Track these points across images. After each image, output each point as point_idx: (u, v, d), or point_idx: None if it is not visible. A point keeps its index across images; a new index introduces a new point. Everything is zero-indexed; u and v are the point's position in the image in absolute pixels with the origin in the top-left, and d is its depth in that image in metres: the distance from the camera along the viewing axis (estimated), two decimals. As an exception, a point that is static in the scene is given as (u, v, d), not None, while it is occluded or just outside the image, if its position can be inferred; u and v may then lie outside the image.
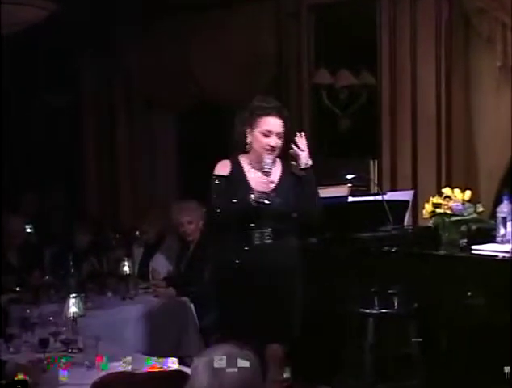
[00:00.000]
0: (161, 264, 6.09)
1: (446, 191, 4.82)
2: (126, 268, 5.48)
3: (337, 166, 6.11)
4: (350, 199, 5.15)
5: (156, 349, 4.90)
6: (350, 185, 5.31)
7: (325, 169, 6.26)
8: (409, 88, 6.00)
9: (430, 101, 5.91)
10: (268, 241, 4.17)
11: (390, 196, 5.25)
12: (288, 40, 6.67)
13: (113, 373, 3.44)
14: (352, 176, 5.36)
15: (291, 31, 6.63)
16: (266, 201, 4.08)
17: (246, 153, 4.26)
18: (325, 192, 4.87)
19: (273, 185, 4.18)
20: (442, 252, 4.69)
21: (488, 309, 4.38)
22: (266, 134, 4.17)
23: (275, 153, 4.21)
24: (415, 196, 5.63)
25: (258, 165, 4.20)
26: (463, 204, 4.74)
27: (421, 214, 4.97)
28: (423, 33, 5.90)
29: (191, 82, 7.23)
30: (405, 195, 5.43)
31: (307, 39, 6.56)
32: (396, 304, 4.64)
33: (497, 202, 4.81)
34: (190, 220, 5.71)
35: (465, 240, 4.70)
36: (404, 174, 6.08)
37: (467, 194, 4.79)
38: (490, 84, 5.67)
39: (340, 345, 4.88)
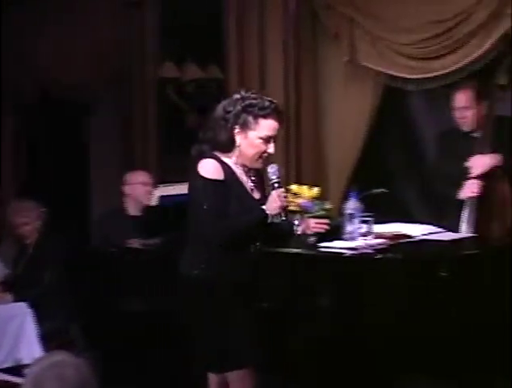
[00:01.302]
0: (-4, 268, 5.83)
1: (294, 188, 4.83)
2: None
3: (185, 162, 6.02)
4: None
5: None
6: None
7: (172, 165, 6.19)
8: (258, 83, 5.98)
9: (279, 96, 5.89)
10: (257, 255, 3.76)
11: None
12: (132, 32, 6.50)
13: None
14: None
15: (135, 22, 6.48)
16: (284, 218, 3.62)
17: (227, 152, 3.62)
18: (170, 190, 4.76)
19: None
20: (290, 250, 4.68)
21: (336, 307, 4.41)
22: (266, 139, 3.58)
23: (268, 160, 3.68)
24: (264, 192, 5.62)
25: (243, 169, 3.64)
26: (311, 201, 4.75)
27: (270, 211, 4.95)
28: (271, 27, 5.91)
29: (31, 75, 6.93)
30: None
31: (151, 30, 6.42)
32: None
33: (345, 199, 4.85)
34: (27, 221, 5.50)
35: (314, 237, 4.71)
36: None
37: (316, 191, 4.81)
38: (338, 79, 5.75)
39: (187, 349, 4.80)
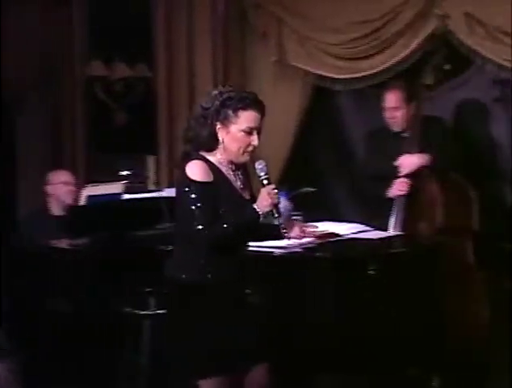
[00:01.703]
0: None
1: (223, 187, 4.82)
2: None
3: (113, 161, 5.98)
4: (126, 196, 5.03)
5: None
6: (125, 182, 5.20)
7: (100, 165, 6.14)
8: (186, 82, 5.97)
9: (208, 95, 5.90)
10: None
11: (168, 192, 5.17)
12: (60, 31, 6.42)
13: None
14: (127, 172, 5.26)
15: (62, 19, 6.39)
16: (276, 215, 3.51)
17: (209, 151, 3.52)
18: (98, 190, 4.72)
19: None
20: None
21: (266, 306, 4.41)
22: (248, 132, 3.46)
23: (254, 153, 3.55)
24: (193, 192, 5.60)
25: (231, 167, 3.53)
26: (240, 200, 4.75)
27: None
28: (199, 26, 5.90)
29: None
30: (183, 191, 5.36)
31: (79, 29, 6.34)
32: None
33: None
34: None
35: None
36: (182, 170, 6.02)
37: (245, 190, 4.81)
38: (267, 79, 5.76)
39: (115, 349, 4.77)
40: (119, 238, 4.88)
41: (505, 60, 4.86)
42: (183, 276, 3.50)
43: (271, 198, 3.45)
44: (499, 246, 4.81)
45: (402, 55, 5.18)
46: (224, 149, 3.49)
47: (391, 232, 4.79)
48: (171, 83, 6.02)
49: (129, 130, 6.37)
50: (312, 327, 4.19)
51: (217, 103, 3.48)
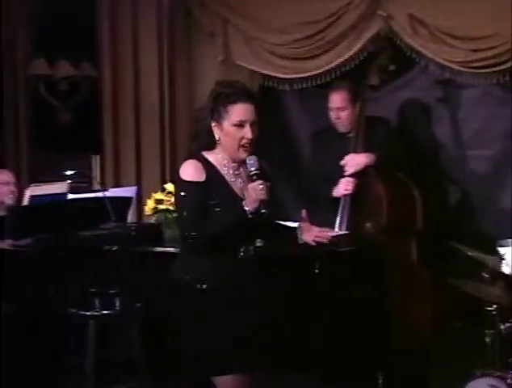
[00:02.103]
0: None
1: (169, 186, 4.83)
2: None
3: (58, 161, 5.93)
4: (70, 196, 5.00)
5: None
6: (69, 181, 5.16)
7: (44, 164, 6.08)
8: (132, 81, 5.94)
9: (153, 94, 5.90)
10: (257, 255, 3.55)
11: (112, 192, 5.17)
12: (3, 29, 6.33)
13: None
14: (72, 172, 5.22)
15: (4, 17, 6.31)
16: (263, 211, 3.40)
17: (210, 150, 3.52)
18: (42, 190, 4.68)
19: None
20: (165, 249, 4.67)
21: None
22: (240, 125, 3.44)
23: (251, 148, 3.48)
24: (139, 192, 5.59)
25: (232, 166, 3.51)
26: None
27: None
28: (144, 25, 5.87)
29: None
30: (128, 191, 5.36)
31: (22, 26, 6.26)
32: (118, 304, 4.57)
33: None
34: None
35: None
36: (127, 169, 6.01)
37: (190, 189, 4.80)
38: (213, 78, 5.73)
39: (61, 350, 4.73)
40: (64, 238, 4.85)
41: (447, 60, 4.92)
42: (187, 276, 3.48)
43: (256, 194, 3.39)
44: (442, 244, 4.87)
45: (347, 56, 5.22)
46: (222, 146, 3.49)
47: (337, 231, 4.83)
48: (116, 82, 5.99)
49: (74, 129, 6.31)
50: (259, 326, 4.19)
51: (210, 101, 3.50)
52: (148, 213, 4.84)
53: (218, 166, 3.49)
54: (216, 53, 5.64)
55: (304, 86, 5.44)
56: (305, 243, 3.67)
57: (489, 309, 3.95)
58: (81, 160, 6.09)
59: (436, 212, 5.32)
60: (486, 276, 4.02)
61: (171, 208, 4.72)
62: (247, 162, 3.46)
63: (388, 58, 5.30)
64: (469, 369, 4.09)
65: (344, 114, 5.06)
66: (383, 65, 5.26)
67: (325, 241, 3.70)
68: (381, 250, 4.66)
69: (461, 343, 4.87)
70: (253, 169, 3.44)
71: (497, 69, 4.78)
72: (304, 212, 3.72)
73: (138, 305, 4.63)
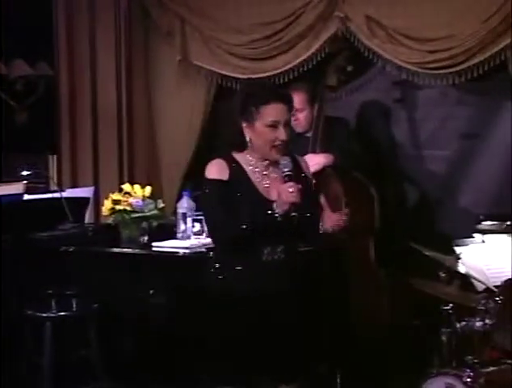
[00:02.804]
0: None
1: (126, 187, 4.81)
2: None
3: (14, 161, 5.88)
4: (26, 197, 4.95)
5: None
6: (25, 182, 5.12)
7: (0, 165, 6.02)
8: (89, 80, 5.90)
9: (111, 94, 5.86)
10: (279, 260, 3.46)
11: (70, 192, 5.14)
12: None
13: None
14: (28, 173, 5.18)
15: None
16: (293, 214, 3.33)
17: (242, 151, 3.48)
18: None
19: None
20: (122, 250, 4.65)
21: (171, 307, 4.41)
22: (273, 125, 3.40)
23: (285, 148, 3.44)
24: (97, 192, 5.56)
25: (260, 165, 3.47)
26: (143, 200, 4.75)
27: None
28: (102, 24, 5.83)
29: None
30: (86, 191, 5.33)
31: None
32: (75, 306, 4.54)
33: (179, 198, 4.86)
34: None
35: (146, 237, 4.70)
36: (84, 170, 5.96)
37: (148, 190, 4.81)
38: (171, 78, 5.74)
39: (17, 351, 4.69)
40: (20, 239, 4.80)
41: (404, 61, 4.95)
42: (220, 276, 3.47)
43: (286, 196, 3.33)
44: (400, 244, 4.91)
45: (305, 56, 5.22)
46: (253, 147, 3.45)
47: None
48: (73, 82, 5.94)
49: (30, 129, 6.26)
50: (216, 325, 4.18)
51: (240, 101, 3.46)
52: (106, 214, 4.81)
53: (244, 166, 3.45)
54: (174, 53, 5.61)
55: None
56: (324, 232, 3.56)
57: (446, 308, 3.99)
58: (38, 160, 6.04)
59: (393, 212, 5.36)
60: (443, 275, 4.06)
61: (128, 208, 4.70)
62: (281, 162, 3.42)
63: (346, 59, 5.32)
64: (426, 367, 4.14)
65: (302, 115, 5.07)
66: (341, 65, 5.28)
67: (341, 225, 3.57)
68: (339, 249, 4.68)
69: (418, 342, 4.91)
70: (286, 169, 3.39)
71: (453, 70, 4.82)
72: (322, 199, 3.63)
73: (95, 306, 4.61)
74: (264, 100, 3.39)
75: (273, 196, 3.43)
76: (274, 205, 3.35)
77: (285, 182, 3.37)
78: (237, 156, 3.47)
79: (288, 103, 3.45)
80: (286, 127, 3.41)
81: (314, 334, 3.52)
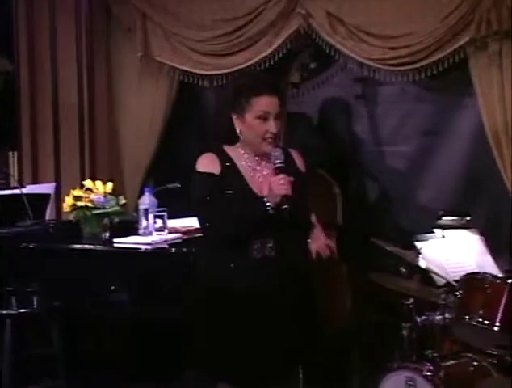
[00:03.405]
0: None
1: (88, 183, 4.77)
2: None
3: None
4: (-14, 193, 4.90)
5: None
6: (-15, 178, 5.07)
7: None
8: (50, 76, 5.85)
9: (72, 90, 5.82)
10: (271, 255, 3.37)
11: (30, 189, 5.10)
12: None
13: None
14: (-13, 169, 5.13)
15: None
16: (285, 207, 3.24)
17: (233, 144, 3.42)
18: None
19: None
20: (84, 246, 4.62)
21: (133, 303, 4.39)
22: (264, 117, 3.33)
23: (276, 141, 3.38)
24: (58, 189, 5.51)
25: (253, 160, 3.42)
26: (104, 196, 4.71)
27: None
28: (63, 19, 5.78)
29: None
30: (47, 188, 5.29)
31: None
32: (35, 303, 4.51)
33: (141, 194, 4.84)
34: None
35: (108, 233, 4.68)
36: (45, 166, 5.91)
37: (109, 186, 4.78)
38: (133, 73, 5.72)
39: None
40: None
41: (365, 58, 4.98)
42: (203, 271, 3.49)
43: (277, 188, 3.27)
44: (362, 239, 4.93)
45: (266, 53, 5.22)
46: (243, 140, 3.39)
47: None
48: (34, 77, 5.89)
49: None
50: (175, 321, 4.18)
51: (231, 92, 3.39)
52: (67, 210, 4.76)
53: (236, 160, 3.40)
54: (136, 49, 5.58)
55: (224, 82, 5.43)
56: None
57: (406, 302, 4.02)
58: (-2, 156, 5.98)
59: (355, 207, 5.38)
60: (403, 270, 4.09)
61: (90, 204, 4.66)
62: (272, 154, 3.35)
63: (309, 56, 5.33)
64: (387, 361, 4.16)
65: None
66: (303, 63, 5.28)
67: (327, 253, 3.53)
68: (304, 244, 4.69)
69: (379, 336, 4.94)
70: (277, 161, 3.33)
71: (413, 66, 4.85)
72: (313, 218, 3.58)
73: (56, 302, 4.57)
74: (255, 92, 3.33)
75: (265, 191, 3.36)
76: (265, 198, 3.30)
77: (276, 174, 3.31)
78: (229, 150, 3.41)
79: (279, 95, 3.38)
80: (276, 119, 3.35)
81: (272, 332, 3.49)
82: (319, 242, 3.53)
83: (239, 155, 3.41)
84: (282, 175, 3.28)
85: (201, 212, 3.42)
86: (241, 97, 3.34)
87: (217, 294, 3.43)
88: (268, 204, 3.29)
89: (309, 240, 3.49)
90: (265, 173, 3.42)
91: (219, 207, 3.31)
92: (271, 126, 3.34)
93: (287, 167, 3.35)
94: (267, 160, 3.42)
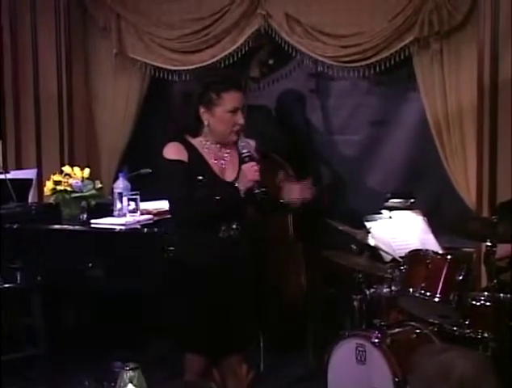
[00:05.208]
0: None
1: (66, 169, 4.73)
2: None
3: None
4: (-29, 178, 4.81)
5: None
6: (-29, 165, 4.97)
7: None
8: (31, 72, 5.74)
9: (52, 84, 5.73)
10: (235, 235, 3.39)
11: (14, 174, 5.05)
12: None
13: None
14: (-27, 156, 5.02)
15: None
16: (257, 191, 3.27)
17: (196, 136, 3.39)
18: None
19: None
20: (63, 227, 4.56)
21: (108, 278, 4.34)
22: (233, 111, 3.33)
23: (241, 132, 3.40)
24: (39, 174, 5.44)
25: (214, 148, 3.40)
26: (82, 181, 4.67)
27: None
28: (43, 18, 5.66)
29: None
30: (29, 173, 5.24)
31: None
32: (19, 278, 4.46)
33: (116, 179, 4.79)
34: None
35: (85, 215, 4.62)
36: (28, 153, 5.83)
37: (87, 172, 4.75)
38: (108, 69, 5.65)
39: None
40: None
41: (319, 55, 4.96)
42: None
43: (251, 175, 3.29)
44: (316, 220, 4.92)
45: (230, 50, 5.17)
46: (210, 131, 3.37)
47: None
48: (16, 71, 5.78)
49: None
50: (152, 296, 4.13)
51: (200, 87, 3.36)
52: (48, 194, 4.70)
53: (199, 149, 3.38)
54: (111, 46, 5.50)
55: (192, 77, 5.37)
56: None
57: (357, 276, 4.02)
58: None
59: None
60: (354, 247, 4.09)
61: (69, 188, 4.62)
62: (239, 144, 3.38)
63: (268, 53, 5.30)
64: (339, 329, 4.16)
65: None
66: (263, 59, 5.24)
67: (308, 196, 3.54)
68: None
69: (332, 307, 4.94)
70: (245, 151, 3.35)
71: (363, 63, 4.84)
72: (281, 174, 3.63)
73: (38, 278, 4.51)
74: (225, 88, 3.33)
75: (228, 176, 3.39)
76: (237, 184, 3.31)
77: (245, 162, 3.32)
78: (192, 140, 3.39)
79: (244, 89, 3.46)
80: (242, 112, 3.38)
81: (235, 305, 3.47)
82: (296, 191, 3.53)
83: (201, 144, 3.40)
84: (253, 163, 3.31)
85: (174, 197, 3.38)
86: (210, 92, 3.33)
87: (184, 269, 3.42)
88: (241, 189, 3.30)
89: (287, 193, 3.48)
90: (227, 159, 3.42)
91: (190, 192, 3.29)
92: (240, 118, 3.36)
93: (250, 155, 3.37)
94: (229, 147, 3.42)
